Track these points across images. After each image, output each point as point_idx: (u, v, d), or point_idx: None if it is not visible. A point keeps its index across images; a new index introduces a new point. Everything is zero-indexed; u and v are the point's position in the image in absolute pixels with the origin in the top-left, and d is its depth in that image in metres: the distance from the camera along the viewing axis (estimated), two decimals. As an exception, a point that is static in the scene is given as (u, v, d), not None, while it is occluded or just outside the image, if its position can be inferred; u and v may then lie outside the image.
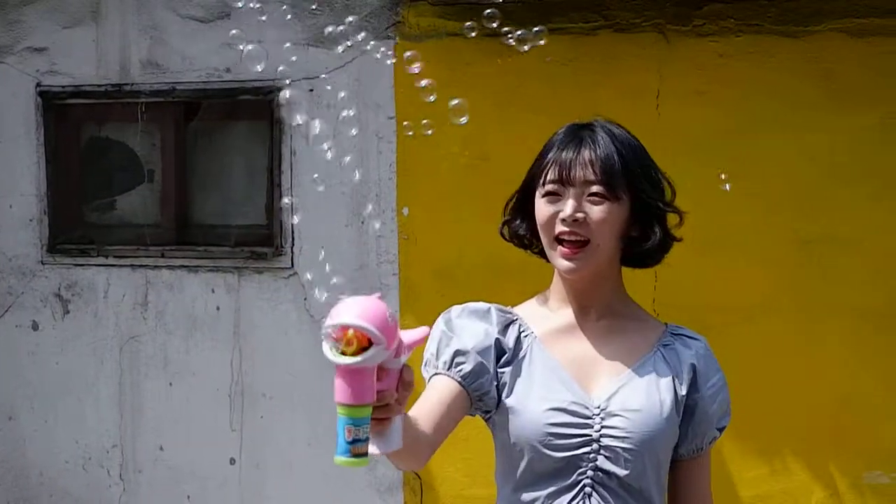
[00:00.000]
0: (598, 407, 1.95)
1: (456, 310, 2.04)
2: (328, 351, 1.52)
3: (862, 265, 3.83)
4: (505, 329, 2.02)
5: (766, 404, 3.82)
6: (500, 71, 3.92)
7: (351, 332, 1.49)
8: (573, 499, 1.94)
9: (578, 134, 2.00)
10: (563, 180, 1.96)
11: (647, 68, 3.91)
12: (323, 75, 4.16)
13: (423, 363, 2.02)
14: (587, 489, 1.94)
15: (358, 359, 1.49)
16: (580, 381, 1.98)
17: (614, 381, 1.98)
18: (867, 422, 3.84)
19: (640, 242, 2.02)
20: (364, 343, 1.50)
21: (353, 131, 4.20)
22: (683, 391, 2.00)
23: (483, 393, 1.97)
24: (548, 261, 2.06)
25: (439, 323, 2.03)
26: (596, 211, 1.95)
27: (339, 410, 1.52)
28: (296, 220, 4.28)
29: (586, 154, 1.96)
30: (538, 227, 2.02)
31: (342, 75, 4.14)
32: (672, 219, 2.03)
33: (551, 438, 1.93)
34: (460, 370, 1.96)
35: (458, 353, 1.97)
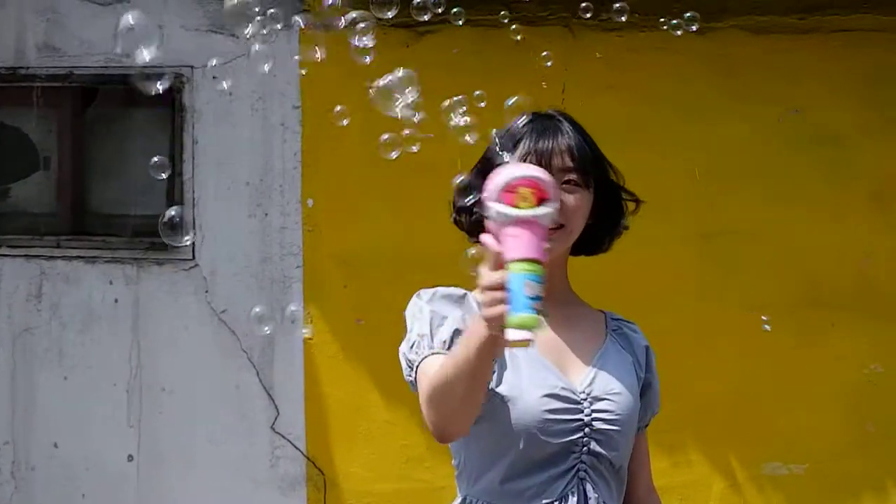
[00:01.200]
0: (584, 392, 1.98)
1: (427, 293, 2.00)
2: (502, 207, 1.48)
3: (759, 259, 3.91)
4: None
5: (667, 397, 3.82)
6: (406, 61, 3.88)
7: (525, 189, 1.48)
8: (567, 484, 1.96)
9: (549, 124, 2.04)
10: (542, 168, 1.96)
11: (552, 61, 3.92)
12: (226, 62, 4.09)
13: (409, 344, 1.96)
14: (581, 474, 1.97)
15: (545, 210, 1.46)
16: (559, 366, 2.00)
17: (587, 366, 2.02)
18: (766, 414, 3.91)
19: (594, 230, 2.06)
20: (537, 200, 1.47)
21: (257, 120, 4.14)
22: (643, 373, 2.10)
23: None
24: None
25: (419, 304, 1.99)
26: (571, 199, 1.97)
27: (518, 268, 1.47)
28: (196, 210, 4.20)
29: (563, 142, 2.00)
30: None
31: (245, 63, 4.07)
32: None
33: (549, 424, 1.94)
34: None
35: (457, 332, 1.93)
